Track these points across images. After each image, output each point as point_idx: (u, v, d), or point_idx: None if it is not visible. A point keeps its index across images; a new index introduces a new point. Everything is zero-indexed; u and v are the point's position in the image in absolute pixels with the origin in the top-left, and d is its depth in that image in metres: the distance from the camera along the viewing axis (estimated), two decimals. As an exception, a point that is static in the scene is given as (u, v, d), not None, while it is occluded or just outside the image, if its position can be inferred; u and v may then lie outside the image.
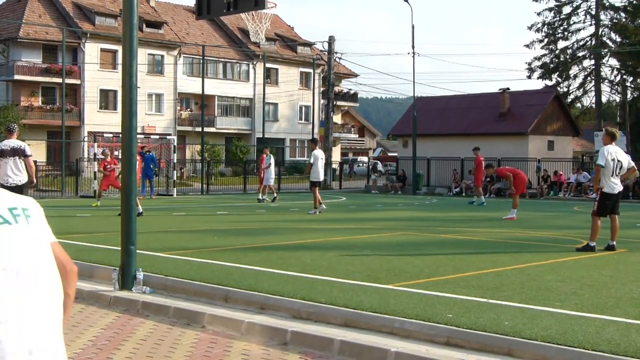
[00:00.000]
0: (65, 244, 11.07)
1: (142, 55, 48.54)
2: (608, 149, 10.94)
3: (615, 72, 54.21)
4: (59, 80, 38.75)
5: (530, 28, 54.16)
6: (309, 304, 6.63)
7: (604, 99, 54.66)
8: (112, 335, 6.30)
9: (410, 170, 35.48)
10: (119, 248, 8.19)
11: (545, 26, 53.84)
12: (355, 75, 64.76)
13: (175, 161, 29.81)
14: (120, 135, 8.45)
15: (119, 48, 41.10)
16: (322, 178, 19.87)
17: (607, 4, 52.32)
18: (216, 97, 55.56)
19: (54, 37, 47.14)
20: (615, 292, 7.38)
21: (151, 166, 26.62)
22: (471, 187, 28.41)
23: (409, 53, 40.70)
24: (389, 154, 70.53)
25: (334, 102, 44.18)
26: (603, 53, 52.46)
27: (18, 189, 11.91)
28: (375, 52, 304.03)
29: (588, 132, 52.68)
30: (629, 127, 50.31)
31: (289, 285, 7.54)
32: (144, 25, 51.09)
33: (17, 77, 46.67)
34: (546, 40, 54.33)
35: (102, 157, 22.48)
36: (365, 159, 63.45)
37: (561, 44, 54.60)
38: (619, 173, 10.93)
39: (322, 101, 50.89)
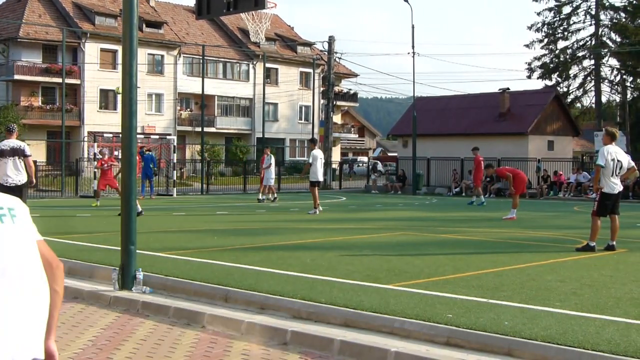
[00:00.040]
0: (65, 244, 11.09)
1: (142, 55, 48.54)
2: (608, 149, 10.93)
3: (615, 72, 54.23)
4: (59, 80, 38.76)
5: (530, 28, 54.18)
6: (309, 304, 6.63)
7: (603, 99, 54.68)
8: (112, 335, 6.29)
9: (410, 170, 35.49)
10: (119, 248, 8.19)
11: (545, 26, 53.85)
12: (355, 75, 64.77)
13: (175, 161, 29.81)
14: (120, 135, 8.45)
15: (119, 48, 41.09)
16: (321, 178, 19.88)
17: (607, 4, 52.33)
18: (216, 97, 55.57)
19: (54, 37, 47.14)
20: (615, 292, 7.38)
21: (151, 166, 26.61)
22: (471, 187, 28.40)
23: (409, 53, 40.71)
24: (389, 154, 70.56)
25: (334, 102, 44.19)
26: (603, 53, 52.46)
27: (18, 189, 11.92)
28: (375, 52, 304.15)
29: (588, 132, 52.69)
30: (628, 127, 50.31)
31: (289, 285, 7.54)
32: (144, 25, 51.09)
33: (17, 77, 46.67)
34: (546, 40, 54.33)
35: (100, 156, 22.51)
36: (365, 159, 63.48)
37: (561, 44, 54.66)
38: (619, 173, 10.92)
39: (322, 101, 50.89)
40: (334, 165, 43.01)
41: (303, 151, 60.18)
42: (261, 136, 39.74)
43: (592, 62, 53.52)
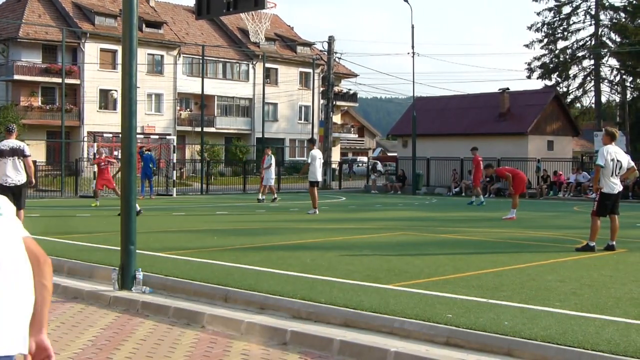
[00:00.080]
0: (65, 244, 11.10)
1: (142, 55, 48.53)
2: (607, 149, 10.94)
3: (614, 72, 54.24)
4: (59, 80, 38.75)
5: (530, 28, 54.19)
6: (308, 304, 6.63)
7: (603, 99, 54.69)
8: (111, 335, 6.29)
9: (409, 170, 35.50)
10: (119, 248, 8.19)
11: (545, 26, 53.86)
12: (355, 75, 64.77)
13: (174, 161, 29.82)
14: (120, 135, 8.44)
15: (118, 48, 41.07)
16: (320, 178, 19.88)
17: (607, 4, 52.33)
18: (216, 97, 55.57)
19: (53, 37, 47.13)
20: (615, 292, 7.39)
21: (150, 165, 26.61)
22: (471, 187, 28.41)
23: (408, 53, 40.68)
24: (389, 154, 70.54)
25: (334, 102, 44.19)
26: (603, 53, 52.47)
27: (17, 189, 11.93)
28: (375, 52, 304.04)
29: (588, 132, 52.70)
30: (628, 127, 50.32)
31: (288, 285, 7.54)
32: (144, 25, 51.09)
33: (16, 77, 46.66)
34: (546, 40, 54.34)
35: (98, 155, 22.51)
36: (364, 159, 63.46)
37: (561, 44, 54.68)
38: (618, 173, 10.93)
39: (321, 101, 50.88)
40: (334, 165, 43.01)
41: (303, 151, 60.17)
42: (261, 136, 39.74)
43: (592, 62, 53.53)
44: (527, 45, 55.21)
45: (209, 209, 21.61)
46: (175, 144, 30.37)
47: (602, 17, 53.05)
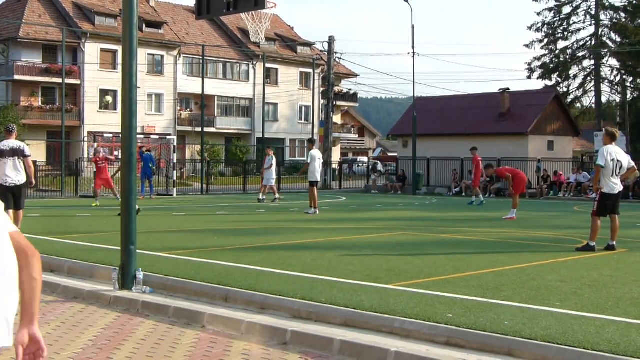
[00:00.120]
0: (65, 244, 11.10)
1: (142, 55, 48.54)
2: (608, 149, 10.93)
3: (615, 72, 54.25)
4: (59, 80, 38.76)
5: (530, 28, 54.22)
6: (309, 304, 6.63)
7: (603, 99, 54.70)
8: (112, 335, 6.29)
9: (410, 171, 35.50)
10: (119, 248, 8.19)
11: (545, 26, 53.88)
12: (355, 75, 64.78)
13: (175, 161, 29.81)
14: (120, 135, 8.44)
15: (119, 48, 41.10)
16: (319, 178, 19.91)
17: (607, 4, 52.34)
18: (216, 97, 55.57)
19: (54, 37, 47.15)
20: (615, 292, 7.38)
21: (150, 165, 26.60)
22: (471, 187, 28.42)
23: (409, 53, 40.71)
24: (389, 154, 70.54)
25: (334, 102, 44.19)
26: (603, 53, 52.48)
27: (17, 189, 11.94)
28: (375, 52, 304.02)
29: (588, 132, 52.70)
30: (628, 127, 50.33)
31: (289, 285, 7.54)
32: (144, 25, 51.10)
33: (17, 77, 46.67)
34: (546, 40, 54.36)
35: (95, 154, 22.50)
36: (365, 159, 63.47)
37: (561, 44, 54.70)
38: (618, 173, 10.93)
39: (322, 101, 50.88)
40: (334, 166, 43.01)
41: (303, 151, 60.16)
42: (261, 136, 39.74)
43: (592, 62, 53.55)
44: (527, 45, 55.29)
45: (209, 209, 21.61)
46: (175, 144, 30.36)
47: (602, 17, 53.09)
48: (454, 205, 24.87)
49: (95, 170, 23.28)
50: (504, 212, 18.68)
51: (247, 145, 54.73)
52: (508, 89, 36.92)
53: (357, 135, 73.28)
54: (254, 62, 57.33)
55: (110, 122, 45.00)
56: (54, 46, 47.78)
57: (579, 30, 53.96)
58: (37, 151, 36.90)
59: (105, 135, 34.38)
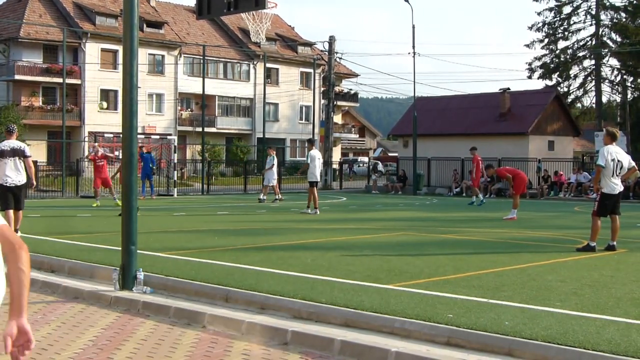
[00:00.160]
0: (66, 244, 11.10)
1: (143, 55, 48.55)
2: (608, 149, 10.93)
3: (615, 72, 54.26)
4: (60, 80, 38.76)
5: (530, 28, 54.22)
6: (309, 304, 6.63)
7: (604, 99, 54.70)
8: (112, 335, 6.30)
9: (410, 171, 35.49)
10: (120, 248, 8.19)
11: (546, 26, 53.89)
12: (356, 75, 64.80)
13: (175, 161, 29.82)
14: (121, 135, 8.45)
15: (119, 48, 41.10)
16: (319, 178, 19.93)
17: (607, 4, 52.34)
18: (217, 97, 55.58)
19: (54, 37, 47.16)
20: (615, 292, 7.38)
21: (150, 165, 26.60)
22: (471, 188, 28.44)
23: (409, 53, 40.72)
24: (390, 154, 70.52)
25: (335, 102, 44.19)
26: (603, 53, 52.48)
27: (17, 189, 11.95)
28: (375, 52, 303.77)
29: (588, 132, 52.69)
30: (629, 127, 50.33)
31: (289, 285, 7.55)
32: (145, 25, 51.11)
33: (17, 77, 46.70)
34: (546, 40, 54.36)
35: (93, 152, 22.51)
36: (365, 159, 63.45)
37: (561, 44, 54.71)
38: (619, 173, 10.93)
39: (322, 101, 50.90)
40: (335, 166, 43.01)
41: (303, 151, 60.16)
42: (262, 136, 39.76)
43: (593, 62, 53.55)
44: (527, 45, 55.29)
45: (210, 209, 21.62)
46: (176, 144, 30.38)
47: (602, 17, 53.08)
48: (454, 205, 24.87)
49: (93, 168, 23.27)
50: (505, 212, 18.68)
51: (248, 145, 54.74)
52: (508, 88, 36.93)
53: (357, 135, 73.28)
54: (255, 62, 57.34)
55: (111, 122, 45.00)
56: (54, 46, 47.80)
57: (580, 30, 53.99)
58: (37, 151, 36.92)
59: (105, 135, 34.42)
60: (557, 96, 37.87)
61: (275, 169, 24.75)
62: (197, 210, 21.29)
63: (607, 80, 54.46)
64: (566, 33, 54.05)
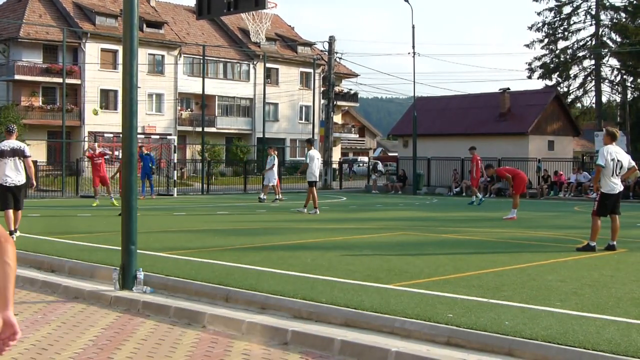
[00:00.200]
0: (66, 244, 11.10)
1: (143, 55, 48.56)
2: (608, 149, 10.94)
3: (615, 72, 54.26)
4: (60, 80, 38.76)
5: (530, 28, 54.22)
6: (309, 304, 6.63)
7: (604, 99, 54.70)
8: (112, 335, 6.30)
9: (410, 170, 35.50)
10: (120, 248, 8.19)
11: (546, 26, 53.88)
12: (356, 75, 64.81)
13: (175, 161, 29.83)
14: (121, 135, 8.45)
15: (119, 48, 41.12)
16: (318, 178, 19.96)
17: (607, 4, 52.35)
18: (216, 97, 55.59)
19: (54, 37, 47.16)
20: (615, 292, 7.39)
21: (150, 165, 26.59)
22: (470, 187, 28.45)
23: (409, 53, 40.73)
24: (390, 154, 70.52)
25: (334, 102, 44.20)
26: (603, 53, 52.48)
27: (17, 189, 11.95)
28: (375, 52, 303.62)
29: (588, 132, 52.71)
30: (629, 127, 50.33)
31: (289, 285, 7.55)
32: (145, 25, 51.11)
33: (17, 77, 46.69)
34: (546, 40, 54.36)
35: (92, 151, 22.51)
36: (365, 159, 63.46)
37: (561, 44, 54.71)
38: (619, 173, 10.93)
39: (322, 101, 50.91)
40: (335, 165, 43.01)
41: (303, 151, 60.11)
42: (262, 136, 39.75)
43: (593, 62, 53.55)
44: (527, 45, 55.29)
45: (210, 209, 21.62)
46: (176, 144, 30.39)
47: (602, 17, 53.08)
48: (454, 205, 24.88)
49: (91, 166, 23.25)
50: (504, 212, 18.68)
51: (248, 145, 54.74)
52: (508, 88, 36.93)
53: (357, 135, 73.29)
54: (255, 62, 57.35)
55: (111, 122, 44.99)
56: (54, 46, 47.79)
57: (579, 30, 53.99)
58: (37, 151, 36.93)
59: (105, 135, 34.41)
60: (557, 96, 37.88)
61: (275, 169, 24.76)
62: (197, 210, 21.29)
63: (607, 80, 54.48)
64: (566, 33, 54.07)
